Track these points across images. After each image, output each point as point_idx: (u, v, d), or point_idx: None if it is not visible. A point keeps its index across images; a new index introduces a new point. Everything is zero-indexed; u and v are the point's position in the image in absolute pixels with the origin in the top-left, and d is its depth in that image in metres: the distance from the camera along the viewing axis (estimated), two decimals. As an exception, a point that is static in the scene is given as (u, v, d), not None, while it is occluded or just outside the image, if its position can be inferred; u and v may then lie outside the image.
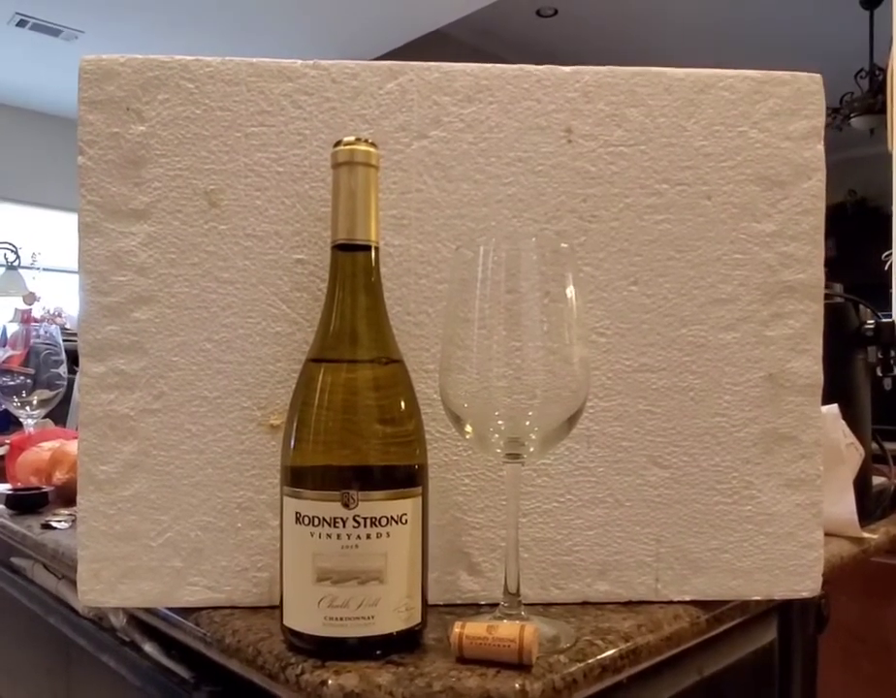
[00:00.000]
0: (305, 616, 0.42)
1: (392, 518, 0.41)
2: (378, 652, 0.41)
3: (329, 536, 0.41)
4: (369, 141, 0.45)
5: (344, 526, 0.41)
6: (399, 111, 0.51)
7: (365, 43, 3.87)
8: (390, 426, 0.43)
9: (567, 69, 0.52)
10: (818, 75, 0.53)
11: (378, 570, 0.41)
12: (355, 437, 0.42)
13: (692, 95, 0.52)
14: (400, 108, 0.51)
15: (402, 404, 0.44)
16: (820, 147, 0.53)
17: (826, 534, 0.53)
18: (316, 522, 0.41)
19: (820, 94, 0.53)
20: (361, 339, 0.45)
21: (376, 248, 0.45)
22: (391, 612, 0.41)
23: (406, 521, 0.42)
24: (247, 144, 0.50)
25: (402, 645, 0.42)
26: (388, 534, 0.41)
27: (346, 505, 0.41)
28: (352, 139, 0.44)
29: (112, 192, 0.50)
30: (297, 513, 0.42)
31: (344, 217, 0.44)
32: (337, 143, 0.44)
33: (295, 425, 0.43)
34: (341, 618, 0.41)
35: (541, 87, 0.52)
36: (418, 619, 0.43)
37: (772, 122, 0.52)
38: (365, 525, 0.41)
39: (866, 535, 0.73)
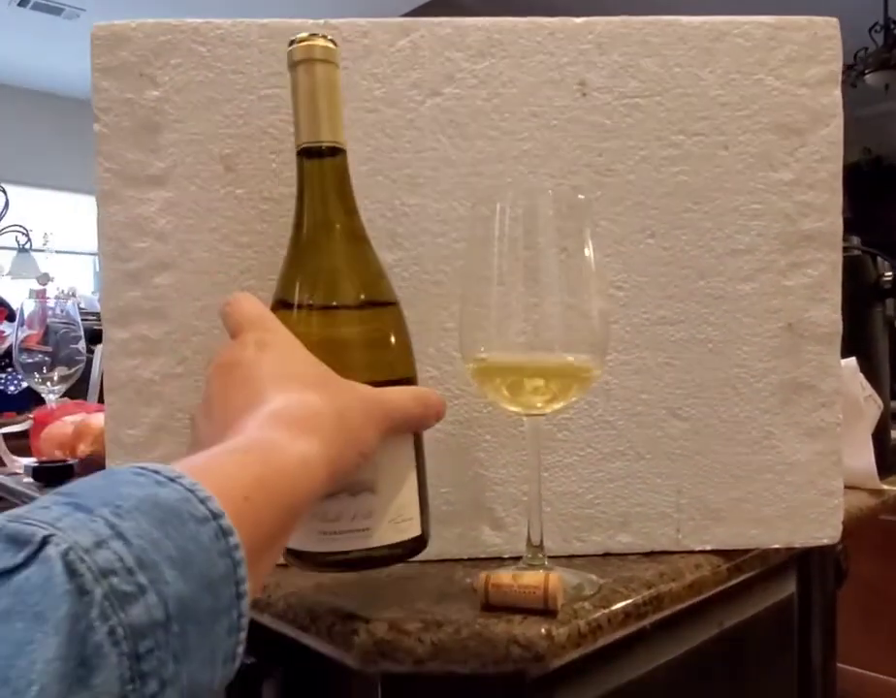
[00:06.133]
0: (300, 533, 0.40)
1: None
2: (377, 563, 0.41)
3: None
4: (328, 36, 0.41)
5: None
6: (411, 69, 0.50)
7: (371, 7, 3.82)
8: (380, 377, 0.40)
9: (579, 20, 0.51)
10: (835, 19, 0.52)
11: (369, 480, 0.39)
12: None
13: (707, 43, 0.51)
14: (413, 65, 0.50)
15: (394, 358, 0.42)
16: (837, 93, 0.52)
17: (845, 487, 0.53)
18: None
19: (837, 39, 0.52)
20: (341, 275, 0.41)
21: (345, 153, 0.42)
22: (386, 523, 0.40)
23: None
24: (261, 107, 0.50)
25: (401, 556, 0.41)
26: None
27: None
28: (306, 35, 0.40)
29: (129, 159, 0.50)
30: None
31: (307, 119, 0.41)
32: (292, 42, 0.40)
33: None
34: (335, 532, 0.39)
35: (554, 40, 0.51)
36: (418, 531, 0.41)
37: (788, 69, 0.51)
38: None
39: (885, 487, 0.73)
